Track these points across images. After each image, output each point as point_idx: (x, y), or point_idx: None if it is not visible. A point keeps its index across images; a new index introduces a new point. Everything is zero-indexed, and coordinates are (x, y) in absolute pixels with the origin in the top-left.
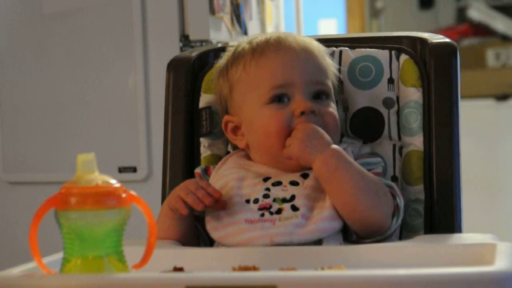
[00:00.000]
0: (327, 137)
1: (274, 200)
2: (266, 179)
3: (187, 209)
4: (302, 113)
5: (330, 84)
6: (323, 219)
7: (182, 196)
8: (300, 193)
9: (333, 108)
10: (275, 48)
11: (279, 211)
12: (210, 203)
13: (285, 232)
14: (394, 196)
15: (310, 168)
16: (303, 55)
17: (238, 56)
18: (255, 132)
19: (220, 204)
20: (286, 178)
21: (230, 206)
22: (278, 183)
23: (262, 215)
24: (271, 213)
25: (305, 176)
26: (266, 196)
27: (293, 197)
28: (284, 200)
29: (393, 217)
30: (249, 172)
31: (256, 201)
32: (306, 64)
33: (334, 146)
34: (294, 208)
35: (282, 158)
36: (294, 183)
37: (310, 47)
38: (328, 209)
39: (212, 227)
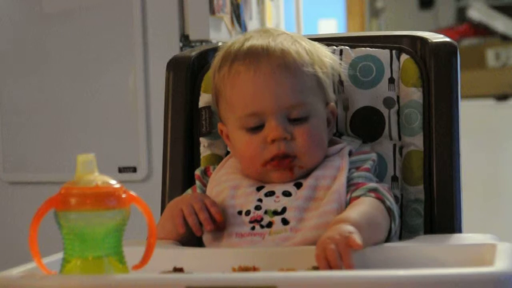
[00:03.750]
0: (344, 228)
1: (266, 212)
2: (259, 188)
3: (185, 229)
4: (274, 140)
5: (310, 98)
6: (310, 228)
7: (185, 214)
8: (291, 205)
9: (311, 127)
10: (247, 68)
11: (269, 225)
12: (210, 229)
13: (273, 246)
14: (382, 200)
15: (304, 177)
16: (277, 75)
17: (222, 62)
18: (234, 151)
19: (219, 225)
20: (279, 188)
21: (224, 217)
22: (271, 193)
23: (253, 228)
24: (262, 226)
25: (298, 185)
26: (257, 207)
27: (284, 210)
28: (275, 213)
29: (390, 222)
30: (245, 178)
31: (247, 213)
32: (278, 86)
33: (351, 229)
34: (285, 222)
35: (262, 178)
36: (286, 194)
37: (286, 61)
38: (317, 218)
39: (207, 239)
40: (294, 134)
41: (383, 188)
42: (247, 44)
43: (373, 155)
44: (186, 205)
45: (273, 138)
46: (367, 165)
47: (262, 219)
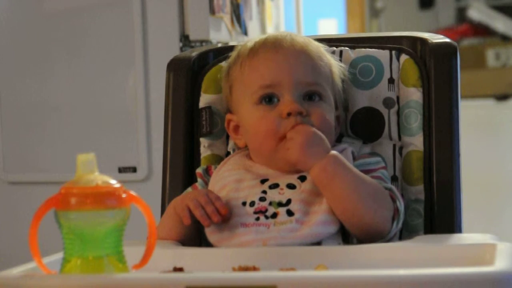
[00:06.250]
0: (326, 142)
1: (270, 203)
2: (263, 181)
3: (190, 220)
4: (289, 114)
5: (325, 85)
6: (317, 223)
7: (191, 208)
8: (296, 197)
9: (324, 110)
10: (268, 48)
11: (274, 215)
12: (218, 221)
13: (278, 236)
14: (394, 200)
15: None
16: (296, 55)
17: (238, 55)
18: (247, 132)
19: (225, 219)
20: (283, 181)
21: (228, 209)
22: (275, 186)
23: (258, 218)
24: (266, 217)
25: (302, 178)
26: (262, 199)
27: (289, 201)
28: (280, 204)
29: (393, 220)
30: (248, 173)
31: (252, 204)
32: (297, 64)
33: (333, 152)
34: (290, 213)
35: (274, 159)
36: (291, 186)
37: (306, 48)
38: (323, 213)
39: (210, 230)
40: (309, 112)
41: (398, 191)
42: (266, 36)
43: (381, 160)
44: (191, 199)
45: (289, 111)
46: (379, 173)
47: (266, 210)
